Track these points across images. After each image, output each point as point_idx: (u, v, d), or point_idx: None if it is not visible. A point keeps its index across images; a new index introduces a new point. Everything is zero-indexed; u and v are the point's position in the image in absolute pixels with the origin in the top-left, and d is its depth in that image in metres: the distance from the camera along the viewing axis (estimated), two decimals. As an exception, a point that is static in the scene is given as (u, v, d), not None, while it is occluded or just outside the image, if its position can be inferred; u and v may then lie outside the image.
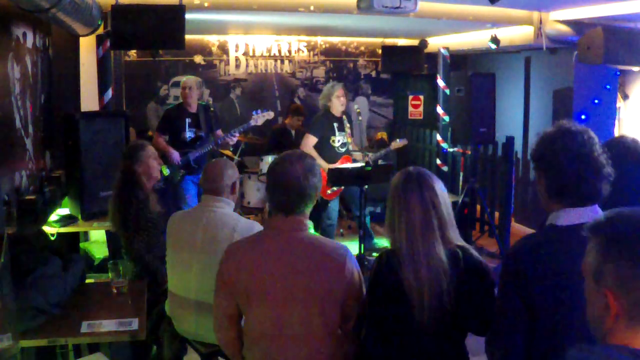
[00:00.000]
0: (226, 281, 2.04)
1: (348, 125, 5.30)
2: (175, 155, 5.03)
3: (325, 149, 5.28)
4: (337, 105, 5.22)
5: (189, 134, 5.16)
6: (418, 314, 1.85)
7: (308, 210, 2.05)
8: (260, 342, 2.01)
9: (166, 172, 4.94)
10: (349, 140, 5.28)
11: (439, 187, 1.94)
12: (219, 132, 5.36)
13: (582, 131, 1.69)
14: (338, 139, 5.30)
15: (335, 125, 5.27)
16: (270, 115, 5.49)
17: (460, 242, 1.94)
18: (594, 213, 1.67)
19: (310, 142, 5.29)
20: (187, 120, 5.15)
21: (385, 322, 1.96)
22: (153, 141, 5.12)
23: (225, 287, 2.05)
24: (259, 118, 5.39)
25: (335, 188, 5.20)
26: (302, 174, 1.98)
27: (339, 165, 5.25)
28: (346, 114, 5.38)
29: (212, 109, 5.43)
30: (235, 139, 5.27)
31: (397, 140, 5.58)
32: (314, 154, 5.36)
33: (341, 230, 6.28)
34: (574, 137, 1.67)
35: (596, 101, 5.54)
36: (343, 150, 5.34)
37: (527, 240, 1.78)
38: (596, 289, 1.02)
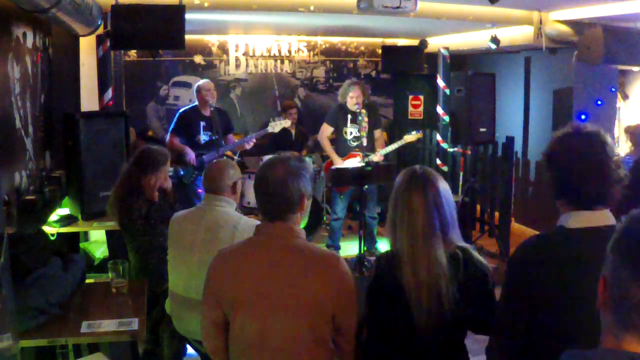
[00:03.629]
0: (212, 288, 1.96)
1: (366, 119, 5.31)
2: (192, 155, 5.10)
3: (338, 139, 5.48)
4: (351, 103, 5.31)
5: (203, 137, 5.20)
6: (417, 316, 1.84)
7: (296, 216, 1.93)
8: (245, 353, 1.93)
9: (180, 172, 5.09)
10: (363, 133, 5.26)
11: (444, 187, 1.92)
12: (231, 136, 5.40)
13: (593, 133, 1.66)
14: (350, 131, 5.41)
15: (349, 117, 5.39)
16: (287, 123, 5.58)
17: (462, 243, 1.92)
18: (605, 217, 1.64)
19: (325, 130, 5.52)
20: (202, 124, 5.19)
21: (386, 325, 1.94)
22: (168, 142, 5.21)
23: (212, 294, 1.96)
24: (276, 125, 5.47)
25: None
26: (283, 178, 1.86)
27: (342, 162, 5.29)
28: (366, 107, 5.40)
29: (221, 109, 5.46)
30: (252, 144, 5.30)
31: (412, 132, 5.50)
32: (327, 145, 5.45)
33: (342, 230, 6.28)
34: (582, 138, 1.65)
35: (599, 102, 5.53)
36: (355, 144, 5.40)
37: (534, 240, 1.75)
38: (601, 274, 1.03)
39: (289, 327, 1.86)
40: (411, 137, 5.44)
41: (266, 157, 5.89)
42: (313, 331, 1.87)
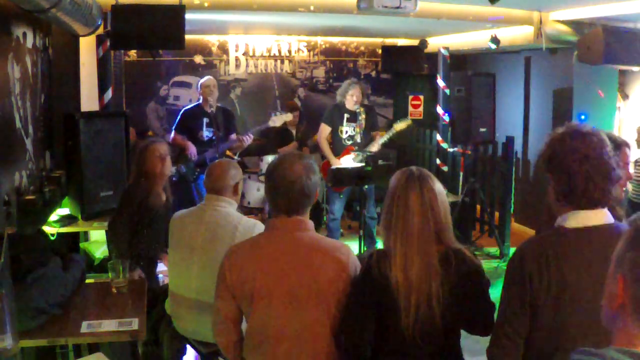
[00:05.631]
0: (228, 284, 2.02)
1: (362, 117, 5.32)
2: (193, 150, 5.12)
3: (334, 138, 5.48)
4: (351, 102, 5.34)
5: (206, 134, 5.24)
6: (404, 316, 1.84)
7: (308, 210, 2.05)
8: (262, 345, 1.99)
9: (183, 169, 5.12)
10: (358, 130, 5.29)
11: (439, 188, 1.93)
12: (233, 136, 5.41)
13: (592, 133, 1.66)
14: (346, 130, 5.43)
15: (346, 116, 5.41)
16: (288, 117, 5.65)
17: (455, 245, 1.93)
18: (603, 216, 1.65)
19: (324, 130, 5.51)
20: (205, 120, 5.24)
21: (371, 324, 1.93)
22: (171, 139, 5.26)
23: (227, 290, 2.03)
24: (278, 120, 5.55)
25: None
26: (303, 173, 1.97)
27: (339, 161, 5.30)
28: (365, 107, 5.43)
29: (224, 109, 5.49)
30: (250, 139, 5.32)
31: (399, 120, 5.49)
32: (325, 145, 5.45)
33: (341, 230, 6.27)
34: (583, 139, 1.65)
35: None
36: (349, 142, 5.42)
37: (534, 241, 1.76)
38: (614, 274, 1.02)
39: (307, 316, 1.93)
40: (400, 125, 5.44)
41: (266, 157, 5.92)
42: (330, 319, 1.94)
